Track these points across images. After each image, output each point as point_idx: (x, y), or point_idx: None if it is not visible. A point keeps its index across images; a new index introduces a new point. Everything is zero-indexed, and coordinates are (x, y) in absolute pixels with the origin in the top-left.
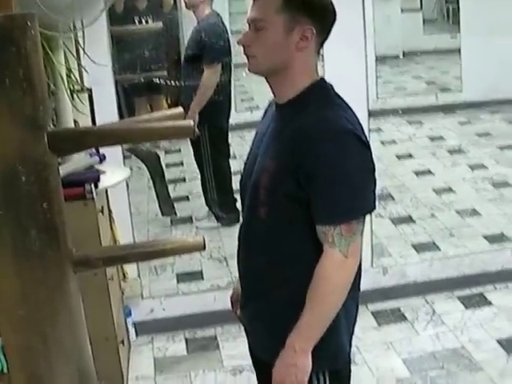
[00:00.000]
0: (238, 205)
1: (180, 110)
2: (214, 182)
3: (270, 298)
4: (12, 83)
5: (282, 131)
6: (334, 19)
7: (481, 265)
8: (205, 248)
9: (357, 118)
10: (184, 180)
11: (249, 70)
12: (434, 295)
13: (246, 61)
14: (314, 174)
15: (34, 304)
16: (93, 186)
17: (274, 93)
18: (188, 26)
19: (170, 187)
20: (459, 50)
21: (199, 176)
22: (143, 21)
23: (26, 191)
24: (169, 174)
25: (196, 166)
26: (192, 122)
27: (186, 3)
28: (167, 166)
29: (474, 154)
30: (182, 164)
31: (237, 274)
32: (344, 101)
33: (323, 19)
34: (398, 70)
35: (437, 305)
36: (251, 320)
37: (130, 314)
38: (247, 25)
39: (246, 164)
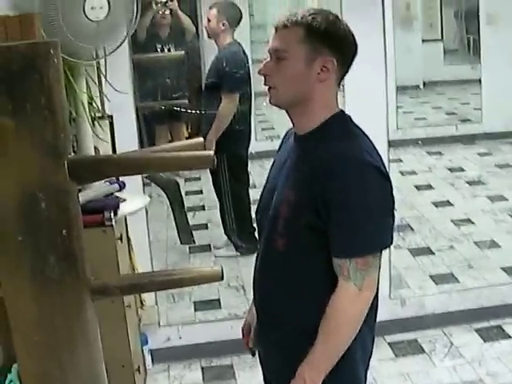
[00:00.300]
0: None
1: (200, 139)
2: (233, 211)
3: (286, 327)
4: (34, 111)
5: (302, 162)
6: (356, 52)
7: (499, 297)
8: (222, 278)
9: (376, 150)
10: (203, 208)
11: (270, 102)
12: (452, 327)
13: (267, 92)
14: (333, 206)
15: (51, 330)
16: (112, 213)
17: (293, 123)
18: (209, 54)
19: (189, 215)
20: (480, 81)
21: (218, 204)
22: (165, 49)
23: (46, 218)
24: (188, 202)
25: (215, 194)
26: (212, 153)
27: (207, 32)
28: (187, 193)
29: (494, 186)
30: (201, 192)
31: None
32: (364, 132)
33: (344, 51)
34: (418, 100)
35: (455, 337)
36: (266, 349)
37: (147, 342)
38: (268, 54)
39: (262, 195)
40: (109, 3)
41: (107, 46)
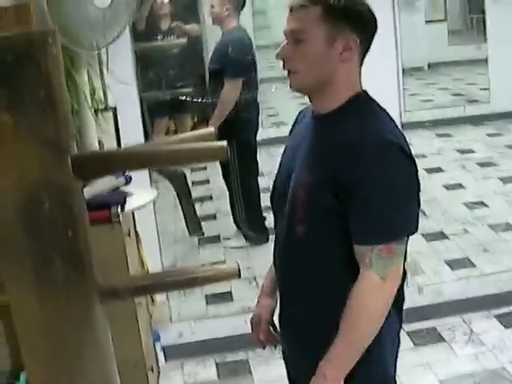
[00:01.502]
0: (267, 223)
1: (211, 129)
2: (243, 200)
3: (310, 320)
4: (32, 104)
5: (322, 142)
6: (376, 28)
7: None
8: (240, 276)
9: (400, 131)
10: (211, 198)
11: (291, 87)
12: (471, 314)
13: (287, 77)
14: (355, 188)
15: (58, 336)
16: (119, 208)
17: (313, 103)
18: (212, 41)
19: (197, 205)
20: (486, 61)
21: (227, 194)
22: (166, 39)
23: (50, 219)
24: (195, 192)
25: (224, 184)
26: (225, 144)
27: (212, 18)
28: (193, 184)
29: (505, 167)
30: (208, 182)
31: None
32: (388, 113)
33: (365, 28)
34: (423, 82)
35: (474, 324)
36: (291, 343)
37: (159, 339)
38: (285, 37)
39: (276, 180)
40: None
41: (108, 36)
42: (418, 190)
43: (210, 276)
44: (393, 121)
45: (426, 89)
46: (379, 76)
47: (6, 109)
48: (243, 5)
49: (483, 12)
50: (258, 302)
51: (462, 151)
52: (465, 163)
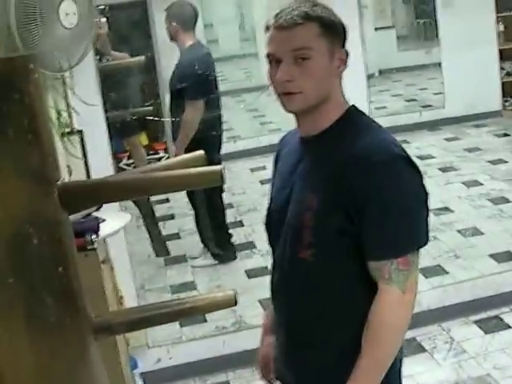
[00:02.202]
0: (233, 240)
1: (201, 152)
2: (209, 217)
3: (321, 347)
4: (16, 135)
5: (322, 164)
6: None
7: (493, 286)
8: (236, 303)
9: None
10: (172, 217)
11: (290, 108)
12: (449, 322)
13: (285, 98)
14: (367, 206)
15: (52, 379)
16: (93, 235)
17: (302, 126)
18: (167, 59)
19: (159, 225)
20: (439, 65)
21: (188, 212)
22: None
23: (39, 255)
24: (156, 212)
25: (186, 202)
26: (220, 168)
27: (170, 36)
28: (154, 203)
29: (467, 171)
30: (167, 200)
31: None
32: (380, 125)
33: (345, 39)
34: (375, 89)
35: (454, 331)
36: (298, 372)
37: (136, 366)
38: (275, 58)
39: (270, 208)
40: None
41: (71, 57)
42: (426, 198)
43: (208, 304)
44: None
45: (379, 96)
46: (350, 81)
47: None
48: (194, 20)
49: (431, 16)
50: (263, 341)
51: (422, 157)
52: (426, 169)
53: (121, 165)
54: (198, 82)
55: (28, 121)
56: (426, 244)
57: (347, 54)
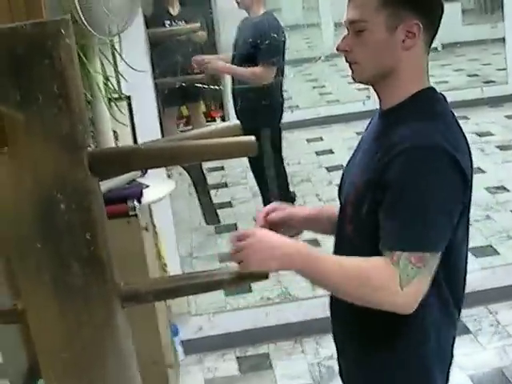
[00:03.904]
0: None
1: (236, 123)
2: (277, 185)
3: (360, 321)
4: (46, 100)
5: (373, 143)
6: (442, 10)
7: None
8: (268, 277)
9: (463, 136)
10: (226, 185)
11: (353, 78)
12: (497, 304)
13: (349, 68)
14: (388, 189)
15: (79, 346)
16: (136, 202)
17: (379, 97)
18: (225, 26)
19: (212, 193)
20: (503, 40)
21: (242, 181)
22: (175, 25)
23: (66, 221)
24: (210, 179)
25: (243, 170)
26: (254, 139)
27: (238, 3)
28: (208, 170)
29: None
30: (222, 168)
31: None
32: (453, 116)
33: (429, 12)
34: (438, 63)
35: (501, 315)
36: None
37: (177, 333)
38: (346, 28)
39: (342, 177)
40: None
41: (121, 21)
42: (462, 201)
43: (237, 278)
44: (459, 126)
45: (440, 70)
46: None
47: (18, 105)
48: None
49: None
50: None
51: (481, 134)
52: (484, 146)
53: (177, 131)
54: (275, 48)
55: (58, 86)
56: (434, 251)
57: (420, 27)
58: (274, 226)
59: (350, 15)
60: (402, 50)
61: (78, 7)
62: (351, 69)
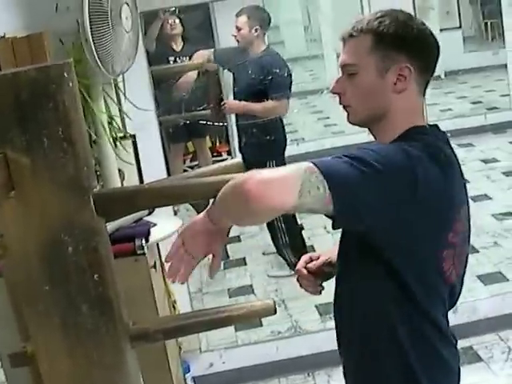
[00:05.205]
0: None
1: (238, 160)
2: (283, 223)
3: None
4: (51, 144)
5: None
6: (438, 53)
7: None
8: (275, 312)
9: (446, 158)
10: None
11: (349, 121)
12: (508, 331)
13: (344, 111)
14: None
15: None
16: (143, 240)
17: (375, 138)
18: None
19: None
20: (505, 66)
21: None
22: (178, 61)
23: (74, 263)
24: None
25: None
26: None
27: (237, 41)
28: None
29: None
30: None
31: None
32: (454, 154)
33: (421, 54)
34: (441, 90)
35: None
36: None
37: (189, 370)
38: (340, 70)
39: None
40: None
41: (126, 61)
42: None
43: (245, 313)
44: (451, 166)
45: (444, 98)
46: None
47: (24, 149)
48: (269, 23)
49: (498, 17)
50: None
51: (486, 161)
52: (490, 173)
53: (184, 167)
54: (284, 81)
55: (63, 129)
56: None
57: (411, 70)
58: (313, 275)
59: (342, 58)
60: (394, 92)
61: (93, 48)
62: (346, 111)
